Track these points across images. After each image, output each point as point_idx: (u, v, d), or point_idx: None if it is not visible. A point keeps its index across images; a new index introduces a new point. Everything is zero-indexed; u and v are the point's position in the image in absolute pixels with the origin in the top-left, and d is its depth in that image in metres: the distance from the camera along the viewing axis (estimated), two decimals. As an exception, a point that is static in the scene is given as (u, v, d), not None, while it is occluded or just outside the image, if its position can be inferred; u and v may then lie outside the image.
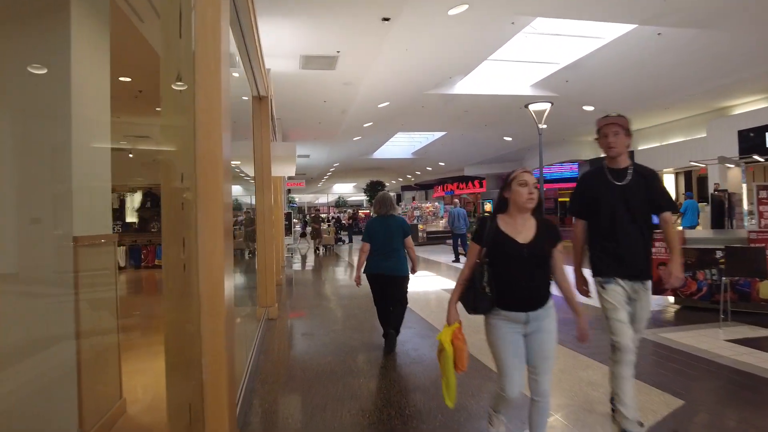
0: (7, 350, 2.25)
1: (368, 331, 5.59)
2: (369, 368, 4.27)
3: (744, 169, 9.81)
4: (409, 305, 5.01)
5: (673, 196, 16.00)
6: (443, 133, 18.79)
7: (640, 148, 17.58)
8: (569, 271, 2.58)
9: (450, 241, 14.08)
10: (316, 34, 7.41)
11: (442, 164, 27.48)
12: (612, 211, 2.80)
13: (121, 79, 6.49)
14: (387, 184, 37.96)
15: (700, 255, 5.81)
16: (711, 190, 12.19)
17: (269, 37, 6.95)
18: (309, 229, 21.53)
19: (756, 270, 5.04)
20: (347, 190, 45.97)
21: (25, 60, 2.52)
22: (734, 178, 10.50)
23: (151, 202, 11.19)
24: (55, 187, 2.64)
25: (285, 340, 5.49)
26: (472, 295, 2.35)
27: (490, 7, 7.39)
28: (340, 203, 45.25)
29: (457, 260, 12.83)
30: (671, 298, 6.29)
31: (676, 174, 18.02)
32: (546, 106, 11.20)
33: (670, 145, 16.53)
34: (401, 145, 23.29)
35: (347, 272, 12.12)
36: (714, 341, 4.57)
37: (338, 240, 21.08)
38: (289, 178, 19.06)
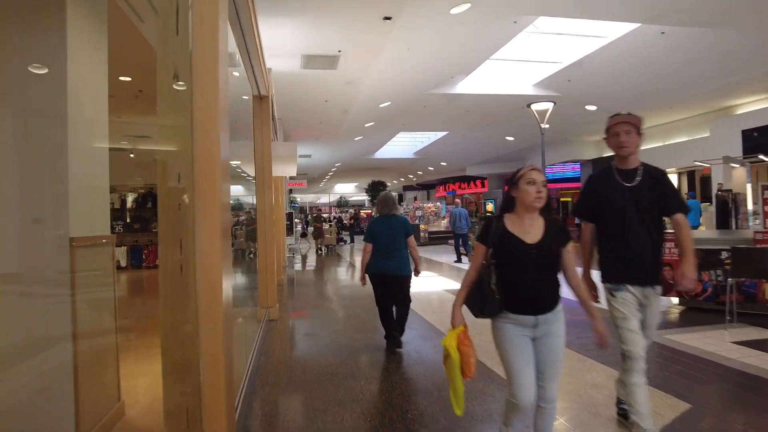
0: (3, 352, 2.21)
1: (370, 331, 5.54)
2: (371, 370, 4.23)
3: (749, 169, 9.75)
4: (411, 306, 4.98)
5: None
6: (445, 132, 18.75)
7: (642, 148, 17.45)
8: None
9: (452, 241, 14.03)
10: (317, 34, 7.38)
11: (444, 164, 27.43)
12: (621, 213, 2.70)
13: (121, 78, 6.46)
14: (389, 184, 37.92)
15: (705, 256, 5.75)
16: (714, 190, 12.12)
17: (270, 36, 6.92)
18: (310, 229, 21.50)
19: (762, 271, 4.98)
20: (349, 190, 45.94)
21: (20, 59, 2.48)
22: (739, 178, 10.43)
23: (153, 202, 11.17)
24: (51, 188, 2.60)
25: (286, 341, 5.46)
26: (480, 297, 2.28)
27: (492, 6, 7.35)
28: (342, 203, 45.23)
29: (459, 260, 12.78)
30: (675, 299, 6.24)
31: (679, 174, 17.94)
32: (548, 106, 11.14)
33: (673, 144, 16.45)
34: (403, 145, 23.25)
35: (349, 272, 12.09)
36: (720, 343, 4.52)
37: (340, 240, 21.04)
38: (291, 178, 19.03)
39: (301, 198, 43.09)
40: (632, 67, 10.43)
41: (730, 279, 5.17)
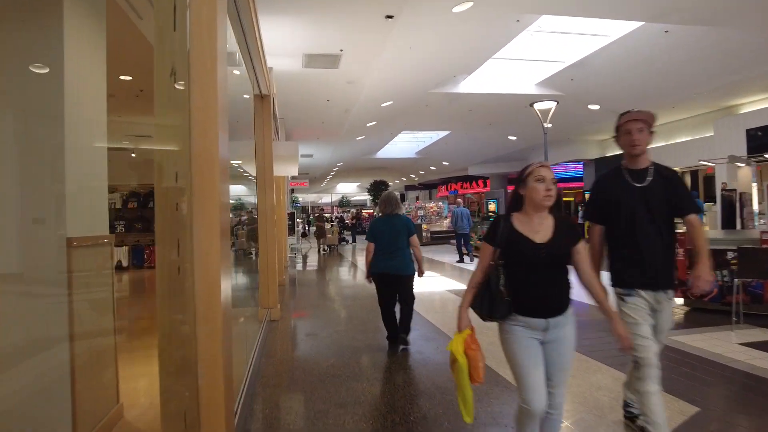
0: (-2, 354, 2.17)
1: (372, 332, 5.50)
2: (372, 371, 4.18)
3: (754, 168, 9.68)
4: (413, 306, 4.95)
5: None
6: (447, 132, 18.68)
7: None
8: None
9: (454, 241, 13.98)
10: (318, 32, 7.33)
11: (446, 164, 27.36)
12: (631, 215, 2.60)
13: (122, 77, 6.43)
14: (390, 183, 37.86)
15: (711, 256, 5.68)
16: (718, 189, 12.04)
17: (271, 36, 6.88)
18: (312, 228, 21.47)
19: (769, 271, 4.92)
20: (351, 189, 45.90)
21: (17, 58, 2.44)
22: (744, 178, 10.34)
23: (154, 201, 11.16)
24: (49, 188, 2.56)
25: (287, 342, 5.41)
26: (488, 299, 2.18)
27: (494, 5, 7.29)
28: (344, 203, 45.21)
29: (461, 260, 12.73)
30: (680, 300, 6.17)
31: (683, 174, 17.84)
32: (551, 105, 11.07)
33: (676, 144, 16.35)
34: (405, 145, 23.18)
35: (351, 272, 12.05)
36: (727, 345, 4.46)
37: (342, 240, 21.01)
38: (293, 177, 18.99)
39: (303, 198, 43.10)
40: (635, 66, 10.35)
41: (736, 279, 5.11)
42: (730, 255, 5.49)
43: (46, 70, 2.51)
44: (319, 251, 17.90)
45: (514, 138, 18.77)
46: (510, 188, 28.04)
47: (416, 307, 4.97)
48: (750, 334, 4.77)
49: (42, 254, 2.50)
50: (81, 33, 2.75)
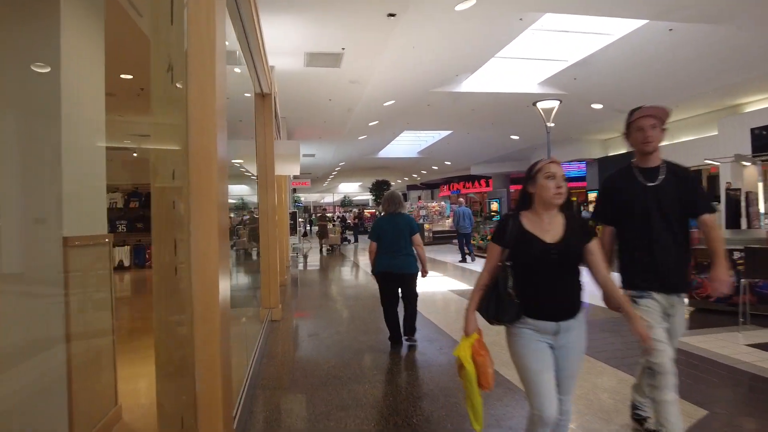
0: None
1: (374, 332, 5.45)
2: (374, 373, 4.13)
3: (760, 167, 9.60)
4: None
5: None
6: (449, 131, 18.61)
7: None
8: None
9: (456, 241, 13.93)
10: (320, 31, 7.28)
11: (448, 163, 27.28)
12: (644, 215, 2.50)
13: (122, 76, 6.39)
14: (393, 183, 37.80)
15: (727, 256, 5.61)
16: (722, 189, 11.94)
17: (273, 34, 6.83)
18: (314, 228, 21.43)
19: (776, 271, 4.85)
20: (353, 189, 45.85)
21: (12, 56, 2.40)
22: (750, 177, 10.24)
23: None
24: (45, 187, 2.52)
25: (288, 343, 5.37)
26: (495, 302, 2.09)
27: (497, 3, 7.23)
28: (346, 203, 45.17)
29: (463, 260, 12.68)
30: (685, 300, 6.10)
31: (686, 173, 17.73)
32: (554, 104, 11.01)
33: (680, 143, 16.25)
34: (407, 144, 23.11)
35: (353, 272, 12.01)
36: (734, 346, 4.39)
37: (344, 239, 20.97)
38: (295, 177, 18.96)
39: (305, 197, 43.08)
40: (639, 65, 10.28)
41: (743, 280, 5.04)
42: (736, 255, 5.43)
43: (47, 70, 2.47)
44: (321, 251, 17.86)
45: (516, 137, 18.70)
46: (512, 188, 28.01)
47: (418, 307, 4.94)
48: (757, 335, 4.71)
49: (38, 254, 2.46)
50: (79, 30, 2.71)
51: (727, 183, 12.02)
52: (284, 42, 7.47)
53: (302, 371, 4.22)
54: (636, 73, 10.73)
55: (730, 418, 3.05)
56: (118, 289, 9.51)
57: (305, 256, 14.67)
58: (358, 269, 12.36)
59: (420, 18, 7.28)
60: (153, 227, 1.96)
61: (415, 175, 35.39)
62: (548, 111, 11.12)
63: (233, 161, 7.72)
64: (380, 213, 5.09)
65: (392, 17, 6.79)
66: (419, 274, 4.84)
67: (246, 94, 6.08)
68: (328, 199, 47.17)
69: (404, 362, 4.45)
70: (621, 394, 3.37)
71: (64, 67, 2.52)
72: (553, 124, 11.24)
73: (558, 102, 10.98)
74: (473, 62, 10.31)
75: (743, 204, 9.54)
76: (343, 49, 7.95)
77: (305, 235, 20.16)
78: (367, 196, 41.66)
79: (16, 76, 2.44)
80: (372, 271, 4.89)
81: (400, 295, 4.86)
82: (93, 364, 2.77)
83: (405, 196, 40.68)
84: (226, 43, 2.27)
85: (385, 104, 12.53)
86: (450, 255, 14.19)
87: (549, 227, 2.10)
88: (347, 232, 23.18)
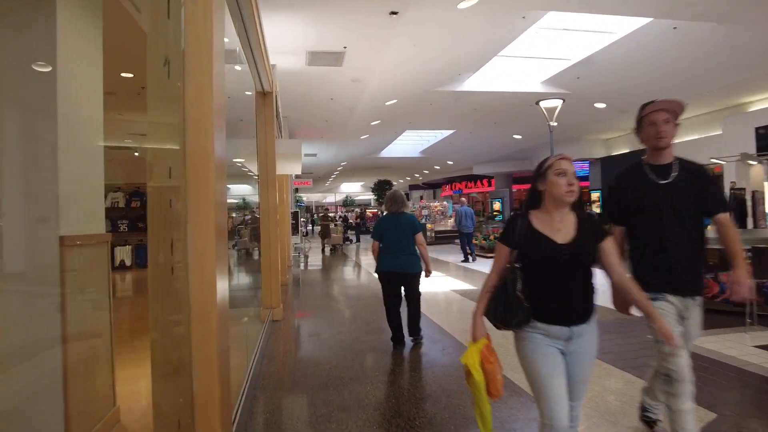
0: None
1: (376, 333, 5.40)
2: (376, 374, 4.08)
3: (766, 166, 9.52)
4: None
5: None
6: (452, 131, 18.55)
7: (652, 147, 17.24)
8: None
9: (458, 241, 13.88)
10: (322, 29, 7.24)
11: (451, 163, 27.22)
12: (656, 214, 2.38)
13: (123, 75, 6.35)
14: (395, 183, 37.76)
15: (722, 255, 5.55)
16: (727, 188, 11.86)
17: (274, 32, 6.79)
18: (317, 228, 21.40)
19: (784, 271, 4.79)
20: (355, 189, 45.81)
21: (7, 53, 2.35)
22: (757, 176, 10.17)
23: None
24: (41, 186, 2.47)
25: (289, 343, 5.32)
26: (503, 305, 1.99)
27: (500, 1, 7.17)
28: (348, 202, 45.13)
29: (466, 260, 12.62)
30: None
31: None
32: (557, 103, 10.95)
33: (684, 142, 16.16)
34: (409, 144, 23.05)
35: (355, 272, 11.96)
36: (742, 347, 4.33)
37: (346, 239, 20.94)
38: (297, 177, 18.94)
39: (307, 197, 43.06)
40: (642, 64, 10.20)
41: (750, 281, 4.96)
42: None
43: (48, 69, 2.42)
44: (323, 251, 17.83)
45: (519, 137, 18.62)
46: (515, 187, 27.92)
47: (421, 307, 4.90)
48: (764, 336, 4.64)
49: (34, 253, 2.42)
50: (76, 27, 2.66)
51: (731, 183, 11.95)
52: (286, 40, 7.43)
53: (303, 372, 4.17)
54: (640, 72, 10.65)
55: (739, 420, 2.99)
56: (119, 288, 9.49)
57: (306, 256, 14.63)
58: (360, 269, 12.32)
59: (422, 16, 7.23)
60: (149, 226, 1.92)
61: (417, 175, 35.33)
62: (551, 110, 11.06)
63: (235, 160, 7.68)
64: (382, 212, 5.07)
65: (394, 15, 6.74)
66: (422, 273, 4.80)
67: (247, 92, 6.03)
68: (330, 198, 47.14)
69: (407, 363, 4.40)
70: (628, 396, 3.32)
71: (60, 64, 2.47)
72: (555, 124, 11.18)
73: (561, 101, 10.92)
74: (476, 61, 10.25)
75: (749, 203, 9.47)
76: (344, 47, 7.90)
77: (306, 234, 20.11)
78: (369, 196, 41.62)
79: (10, 74, 2.39)
80: (376, 270, 4.86)
81: (403, 295, 4.83)
82: (90, 365, 2.72)
83: (407, 195, 40.59)
84: (226, 39, 2.23)
85: (387, 103, 12.48)
86: (452, 255, 14.13)
87: (560, 226, 2.01)
88: (349, 231, 23.14)
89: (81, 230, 2.63)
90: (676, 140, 2.49)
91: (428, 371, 4.13)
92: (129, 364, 3.70)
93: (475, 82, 11.74)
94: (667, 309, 2.33)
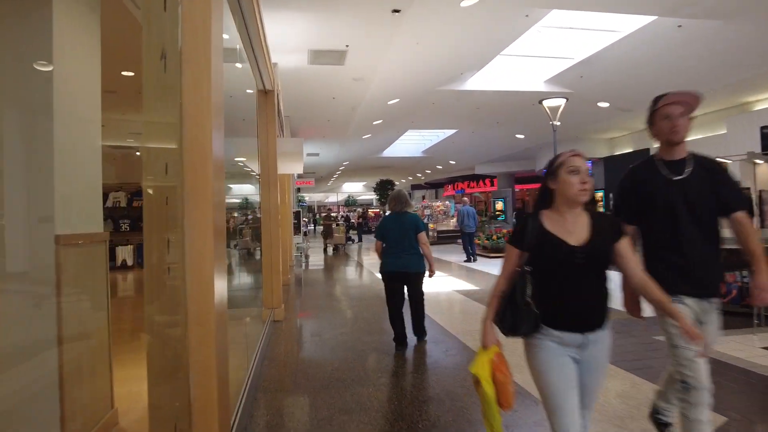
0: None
1: (378, 333, 5.35)
2: (378, 376, 4.02)
3: (770, 165, 9.42)
4: (418, 308, 4.84)
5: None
6: (454, 130, 18.48)
7: (656, 146, 17.15)
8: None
9: (461, 241, 13.82)
10: (324, 27, 7.19)
11: (453, 163, 27.15)
12: (671, 212, 2.25)
13: (124, 73, 6.31)
14: (397, 183, 37.70)
15: (729, 256, 5.47)
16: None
17: (276, 31, 6.75)
18: (319, 228, 21.34)
19: (792, 272, 4.71)
20: (357, 189, 45.76)
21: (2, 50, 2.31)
22: (763, 175, 10.08)
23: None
24: (35, 185, 2.43)
25: (291, 344, 5.27)
26: (511, 312, 1.89)
27: (503, -1, 7.12)
28: (350, 202, 45.10)
29: (468, 260, 12.55)
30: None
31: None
32: (560, 102, 10.88)
33: (688, 142, 16.05)
34: (411, 144, 23.00)
35: (357, 272, 11.91)
36: (750, 349, 4.26)
37: (348, 239, 20.89)
38: (299, 176, 18.91)
39: (309, 197, 43.04)
40: (647, 63, 10.12)
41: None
42: (750, 255, 5.28)
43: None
44: (325, 250, 17.78)
45: (521, 136, 18.55)
46: (517, 187, 27.83)
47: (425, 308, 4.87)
48: (772, 338, 4.58)
49: (29, 253, 2.37)
50: (72, 23, 2.62)
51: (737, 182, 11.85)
52: (287, 39, 7.38)
53: (305, 373, 4.12)
54: (644, 70, 10.58)
55: (749, 424, 2.92)
56: (121, 288, 9.46)
57: (306, 256, 14.59)
58: (362, 269, 12.27)
59: (425, 14, 7.17)
60: (144, 226, 1.87)
61: (420, 175, 35.27)
62: (554, 109, 10.99)
63: (236, 159, 7.64)
64: (385, 212, 5.04)
65: (397, 13, 6.69)
66: (426, 273, 4.76)
67: (248, 91, 5.99)
68: (332, 198, 47.10)
69: (409, 364, 4.34)
70: (634, 399, 3.26)
71: (56, 61, 2.43)
72: (558, 123, 11.10)
73: (564, 100, 10.84)
74: (478, 60, 10.19)
75: (756, 203, 9.38)
76: (347, 46, 7.85)
77: (306, 234, 20.07)
78: (371, 196, 41.56)
79: (5, 72, 2.35)
80: (379, 270, 4.83)
81: (406, 295, 4.79)
82: (87, 366, 2.67)
83: (409, 195, 40.55)
84: (226, 36, 2.18)
85: (389, 103, 12.43)
86: (455, 255, 14.06)
87: (573, 227, 1.90)
88: (351, 231, 23.10)
89: (79, 229, 2.59)
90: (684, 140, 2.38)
91: (431, 373, 4.08)
92: (129, 365, 3.65)
93: (478, 81, 11.68)
94: (685, 312, 2.20)
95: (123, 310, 6.34)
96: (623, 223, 2.33)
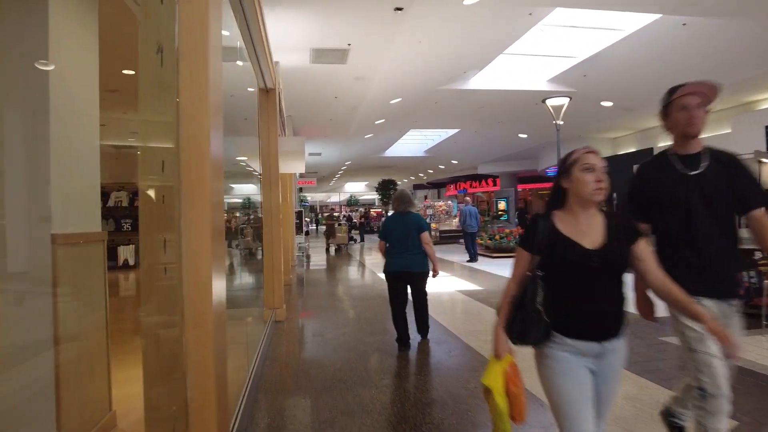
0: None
1: (380, 333, 5.30)
2: (381, 377, 3.97)
3: (776, 165, 9.33)
4: (422, 309, 4.80)
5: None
6: (456, 130, 18.43)
7: (660, 145, 17.07)
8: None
9: (463, 240, 13.76)
10: (326, 26, 7.15)
11: (455, 162, 27.09)
12: (686, 209, 2.14)
13: (125, 72, 6.27)
14: (399, 182, 37.66)
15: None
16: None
17: (278, 29, 6.72)
18: (322, 228, 21.32)
19: (800, 272, 4.65)
20: (359, 188, 45.74)
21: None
22: (769, 174, 10.00)
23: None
24: (32, 184, 2.39)
25: (292, 344, 5.22)
26: (520, 319, 1.77)
27: (507, -3, 7.06)
28: (352, 202, 45.08)
29: (471, 260, 12.49)
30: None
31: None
32: (564, 101, 10.81)
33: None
34: (413, 143, 22.95)
35: (359, 271, 11.87)
36: (759, 350, 4.20)
37: (350, 239, 20.86)
38: (301, 176, 18.88)
39: (311, 197, 43.03)
40: (651, 61, 10.05)
41: (765, 281, 4.84)
42: (758, 255, 5.22)
43: (26, 59, 2.34)
44: (327, 250, 17.75)
45: (524, 136, 18.48)
46: (520, 187, 27.74)
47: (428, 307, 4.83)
48: (781, 339, 4.51)
49: (25, 252, 2.33)
50: (69, 20, 2.57)
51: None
52: (289, 37, 7.34)
53: (306, 374, 4.07)
54: (647, 69, 10.50)
55: (759, 426, 2.86)
56: (122, 288, 9.43)
57: (308, 256, 14.56)
58: (364, 269, 12.22)
59: (427, 12, 7.12)
60: (141, 225, 1.82)
61: (422, 175, 35.22)
62: (557, 108, 10.93)
63: (238, 158, 7.60)
64: (387, 212, 5.02)
65: (399, 11, 6.64)
66: (430, 273, 4.73)
67: (249, 89, 5.94)
68: (335, 198, 47.09)
69: (412, 365, 4.29)
70: (643, 403, 3.20)
71: (53, 58, 2.39)
72: (562, 122, 11.04)
73: (567, 99, 10.78)
74: (481, 59, 10.13)
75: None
76: (349, 44, 7.81)
77: (307, 234, 20.04)
78: (374, 196, 41.53)
79: (0, 70, 2.31)
80: (383, 270, 4.81)
81: (410, 295, 4.75)
82: (84, 367, 2.63)
83: (412, 195, 40.47)
84: (227, 33, 2.13)
85: (391, 102, 12.38)
86: (457, 255, 14.00)
87: (587, 229, 1.79)
88: (353, 231, 23.07)
89: (77, 229, 2.55)
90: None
91: (434, 374, 4.03)
92: (129, 366, 3.59)
93: (481, 80, 11.62)
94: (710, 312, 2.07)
95: (123, 310, 6.30)
96: (636, 219, 2.21)
